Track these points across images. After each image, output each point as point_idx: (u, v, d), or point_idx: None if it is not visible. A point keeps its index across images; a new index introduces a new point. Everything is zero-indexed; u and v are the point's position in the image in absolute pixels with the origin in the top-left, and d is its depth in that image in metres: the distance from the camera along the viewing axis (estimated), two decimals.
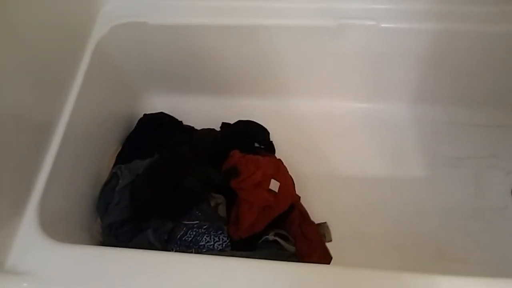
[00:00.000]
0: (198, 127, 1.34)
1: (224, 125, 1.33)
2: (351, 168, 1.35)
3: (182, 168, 1.07)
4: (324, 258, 1.10)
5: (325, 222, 1.21)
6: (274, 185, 1.11)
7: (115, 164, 1.16)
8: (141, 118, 1.31)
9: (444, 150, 1.37)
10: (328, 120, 1.43)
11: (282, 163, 1.22)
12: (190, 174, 1.05)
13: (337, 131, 1.42)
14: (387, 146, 1.39)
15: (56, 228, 0.90)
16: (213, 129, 1.28)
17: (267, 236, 1.06)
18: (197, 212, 1.07)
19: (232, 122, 1.36)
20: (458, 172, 1.33)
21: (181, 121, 1.33)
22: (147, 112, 1.34)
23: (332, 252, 1.13)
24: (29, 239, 0.84)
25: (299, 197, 1.20)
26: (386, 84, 1.39)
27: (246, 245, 1.05)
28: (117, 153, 1.20)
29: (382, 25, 1.18)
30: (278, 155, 1.32)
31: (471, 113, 1.42)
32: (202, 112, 1.41)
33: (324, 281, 0.76)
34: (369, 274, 0.76)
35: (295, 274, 0.77)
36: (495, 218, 1.26)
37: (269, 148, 1.32)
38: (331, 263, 1.10)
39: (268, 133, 1.35)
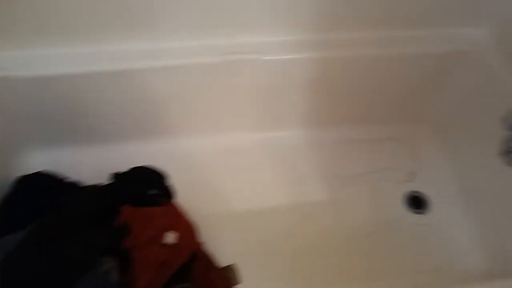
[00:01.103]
0: (87, 181, 1.23)
1: (114, 175, 1.23)
2: (255, 201, 1.33)
3: (61, 236, 0.95)
4: None
5: (232, 264, 1.16)
6: (171, 237, 1.04)
7: None
8: (13, 183, 1.16)
9: (341, 169, 1.42)
10: (227, 155, 1.41)
11: (180, 209, 1.16)
12: (71, 242, 0.94)
13: (237, 164, 1.40)
14: (288, 173, 1.40)
15: None
16: (96, 186, 1.17)
17: None
18: (86, 283, 0.96)
19: (124, 170, 1.26)
20: (356, 189, 1.39)
21: (63, 178, 1.20)
22: (23, 174, 1.19)
23: None
24: None
25: (201, 243, 1.14)
26: (279, 112, 1.41)
27: None
28: None
29: (264, 58, 1.20)
30: (179, 199, 1.26)
31: (362, 131, 1.50)
32: (88, 164, 1.29)
33: None
34: None
35: None
36: (393, 230, 1.32)
37: (167, 193, 1.25)
38: None
39: (165, 178, 1.27)
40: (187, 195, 1.26)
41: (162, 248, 1.02)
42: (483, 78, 1.27)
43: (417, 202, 1.39)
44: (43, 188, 1.15)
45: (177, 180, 1.30)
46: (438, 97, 1.44)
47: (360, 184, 1.39)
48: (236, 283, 1.13)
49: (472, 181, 1.37)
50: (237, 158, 1.40)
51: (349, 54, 1.25)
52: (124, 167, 1.28)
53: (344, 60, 1.27)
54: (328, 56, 1.24)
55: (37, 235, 0.98)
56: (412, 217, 1.35)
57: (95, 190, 1.14)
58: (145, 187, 1.21)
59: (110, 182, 1.21)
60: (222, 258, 1.18)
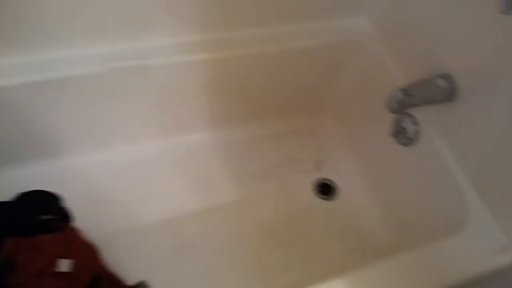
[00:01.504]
0: None
1: None
2: (164, 210, 1.28)
3: None
4: None
5: (143, 281, 1.10)
6: (64, 264, 0.95)
7: None
8: None
9: (250, 167, 1.42)
10: (128, 167, 1.33)
11: (76, 232, 1.07)
12: None
13: (140, 175, 1.33)
14: (196, 178, 1.37)
15: None
16: None
17: None
18: None
19: (9, 198, 1.13)
20: (267, 184, 1.39)
21: None
22: None
23: None
24: None
25: (104, 265, 1.06)
26: (178, 116, 1.37)
27: None
28: None
29: (151, 62, 1.15)
30: (78, 221, 1.16)
31: (267, 126, 1.52)
32: None
33: None
34: None
35: None
36: (306, 219, 1.35)
37: (64, 217, 1.14)
38: None
39: (59, 199, 1.17)
40: (87, 216, 1.16)
41: (56, 277, 0.92)
42: (369, 65, 1.34)
43: (326, 189, 1.43)
44: None
45: (74, 201, 1.19)
46: (335, 86, 1.50)
47: (270, 179, 1.40)
48: None
49: (373, 162, 1.45)
50: (139, 169, 1.33)
51: (242, 52, 1.25)
52: (10, 194, 1.15)
53: (238, 58, 1.26)
54: (220, 56, 1.22)
55: None
56: (323, 204, 1.40)
57: None
58: (36, 213, 1.10)
59: None
60: (133, 275, 1.11)
